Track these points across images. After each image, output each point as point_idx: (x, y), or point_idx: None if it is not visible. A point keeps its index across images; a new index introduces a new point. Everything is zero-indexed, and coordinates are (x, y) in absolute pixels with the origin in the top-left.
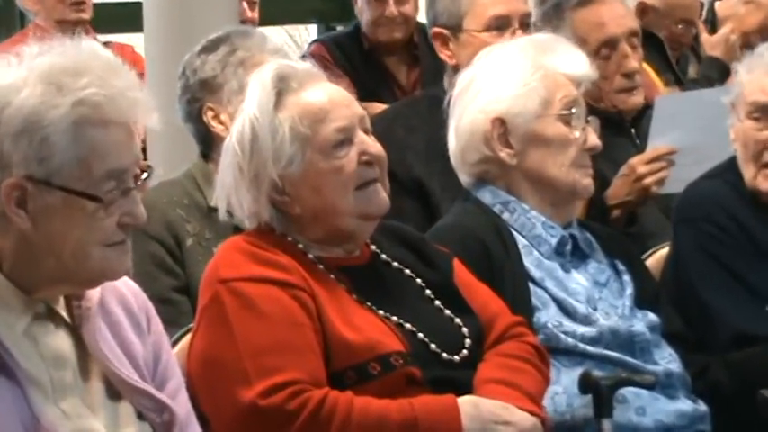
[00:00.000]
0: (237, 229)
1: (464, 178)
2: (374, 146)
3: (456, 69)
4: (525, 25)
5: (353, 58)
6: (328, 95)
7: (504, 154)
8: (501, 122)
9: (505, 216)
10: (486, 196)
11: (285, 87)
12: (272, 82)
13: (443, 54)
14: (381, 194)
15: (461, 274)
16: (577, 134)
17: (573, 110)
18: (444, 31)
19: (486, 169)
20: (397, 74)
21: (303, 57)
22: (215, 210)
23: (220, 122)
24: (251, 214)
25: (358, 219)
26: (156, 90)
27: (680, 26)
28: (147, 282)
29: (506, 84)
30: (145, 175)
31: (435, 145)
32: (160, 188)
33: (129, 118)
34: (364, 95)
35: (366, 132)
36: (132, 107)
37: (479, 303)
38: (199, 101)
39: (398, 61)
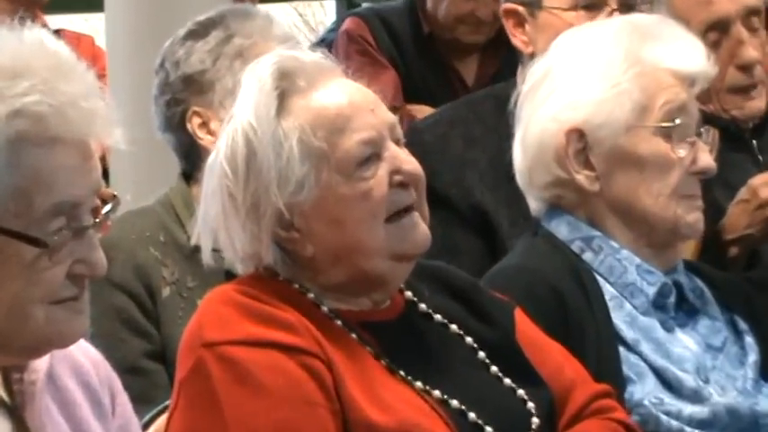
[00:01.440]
0: (230, 275)
1: (533, 204)
2: (409, 161)
3: (534, 60)
4: (627, 6)
5: (404, 44)
6: (348, 97)
7: (581, 177)
8: (579, 135)
9: (587, 256)
10: (561, 229)
11: (290, 87)
12: (272, 79)
13: (517, 39)
14: (420, 226)
15: (526, 329)
16: (682, 153)
17: (678, 120)
18: (519, 8)
19: (560, 194)
20: (462, 69)
21: (320, 44)
22: (199, 250)
23: (209, 132)
24: (247, 256)
25: (390, 260)
26: (122, 91)
27: None
28: (112, 346)
29: (588, 82)
30: (107, 207)
31: (503, 162)
32: (127, 220)
33: (85, 134)
34: (413, 94)
35: (398, 144)
36: (88, 120)
37: (551, 368)
38: (182, 103)
39: (466, 52)
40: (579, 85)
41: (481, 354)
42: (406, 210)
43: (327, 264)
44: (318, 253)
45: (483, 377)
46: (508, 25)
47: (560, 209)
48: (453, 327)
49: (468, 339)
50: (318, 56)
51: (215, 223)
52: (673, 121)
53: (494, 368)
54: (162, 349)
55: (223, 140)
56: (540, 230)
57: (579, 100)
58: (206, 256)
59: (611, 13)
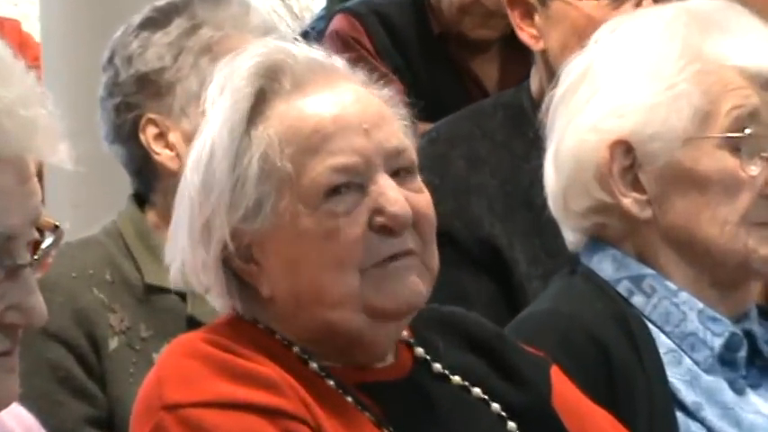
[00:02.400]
0: (193, 322)
1: (570, 236)
2: (398, 202)
3: (545, 57)
4: None
5: (409, 46)
6: (338, 109)
7: (629, 201)
8: (626, 149)
9: (637, 300)
10: (605, 266)
11: (272, 87)
12: (250, 75)
13: (524, 33)
14: (409, 279)
15: (565, 391)
16: (754, 170)
17: (748, 130)
18: None
19: (603, 222)
20: (483, 74)
21: (306, 35)
22: (157, 289)
23: (167, 145)
24: (206, 289)
25: (365, 315)
26: (60, 91)
27: None
28: (46, 411)
29: (637, 83)
30: (48, 241)
31: (519, 185)
32: (65, 254)
33: (23, 149)
34: (424, 109)
35: (404, 172)
36: (28, 132)
37: None
38: (135, 108)
39: (488, 57)
40: (625, 88)
41: (511, 425)
42: (397, 257)
43: (288, 311)
44: (276, 296)
45: None
46: (514, 17)
47: (604, 241)
48: (476, 390)
49: (495, 406)
50: (316, 53)
51: (182, 247)
52: (742, 130)
53: None
54: (108, 414)
55: (194, 148)
56: (578, 268)
57: (625, 105)
58: (174, 281)
59: (638, 3)
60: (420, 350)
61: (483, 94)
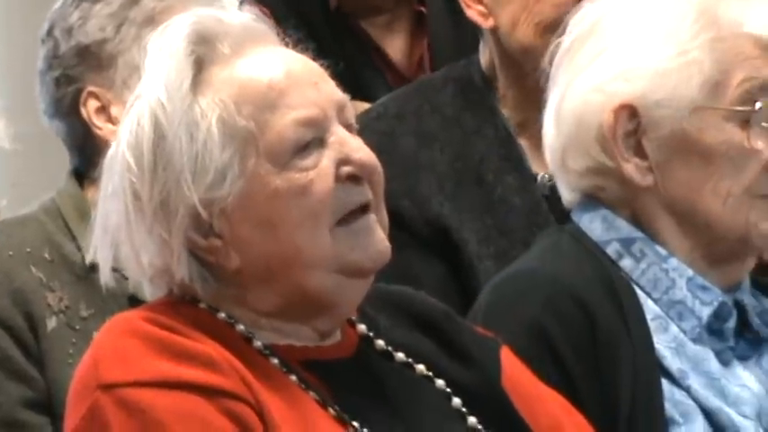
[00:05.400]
0: (135, 302)
1: (565, 193)
2: (360, 148)
3: (496, 35)
4: None
5: (315, 25)
6: (284, 66)
7: (630, 166)
8: (631, 113)
9: (626, 263)
10: (595, 226)
11: (209, 53)
12: (186, 44)
13: (472, 10)
14: (377, 232)
15: (516, 373)
16: (761, 144)
17: (758, 104)
18: None
19: (601, 184)
20: (389, 48)
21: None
22: (97, 269)
23: (109, 119)
24: (156, 272)
25: (338, 274)
26: None
27: None
28: None
29: (648, 46)
30: None
31: (470, 162)
32: (2, 233)
33: None
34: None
35: (349, 129)
36: None
37: (545, 423)
38: (75, 81)
39: (388, 26)
40: (635, 49)
41: (456, 401)
42: (361, 210)
43: (257, 279)
44: (246, 265)
45: (457, 430)
46: None
47: (598, 201)
48: (420, 367)
49: (439, 382)
50: (248, 17)
51: (116, 232)
52: (752, 103)
53: (471, 419)
54: (46, 397)
55: (126, 125)
56: (567, 225)
57: (634, 68)
58: (105, 276)
59: None
60: (363, 327)
61: (388, 67)
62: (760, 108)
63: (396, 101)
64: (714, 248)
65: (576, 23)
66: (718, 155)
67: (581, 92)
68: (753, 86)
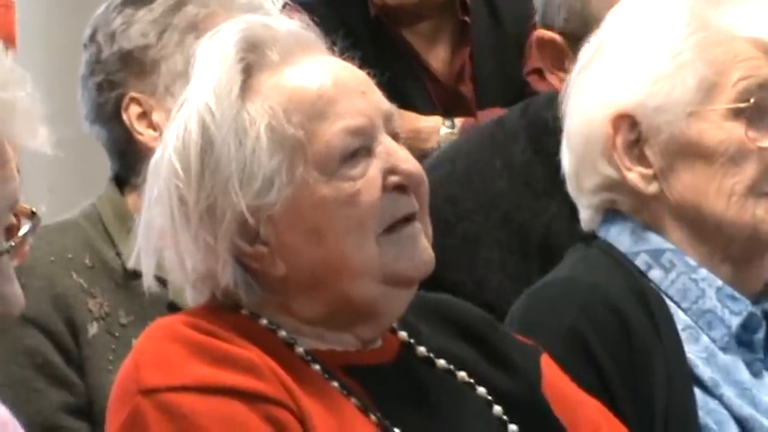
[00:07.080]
0: (174, 309)
1: (583, 214)
2: (407, 159)
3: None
4: None
5: (355, 32)
6: (333, 74)
7: (635, 176)
8: (630, 123)
9: (655, 274)
10: (623, 239)
11: (258, 60)
12: (235, 51)
13: (554, 77)
14: (422, 242)
15: (556, 380)
16: (764, 143)
17: (753, 99)
18: (557, 38)
19: (613, 198)
20: (430, 57)
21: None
22: (138, 275)
23: (151, 125)
24: (200, 278)
25: (383, 284)
26: (37, 68)
27: None
28: (23, 399)
29: (642, 55)
30: (26, 227)
31: (536, 230)
32: (43, 239)
33: (1, 133)
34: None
35: (396, 139)
36: (6, 115)
37: (585, 425)
38: (117, 87)
39: (431, 35)
40: (631, 60)
41: (497, 408)
42: (407, 220)
43: (302, 287)
44: (291, 273)
45: None
46: (544, 62)
47: (620, 214)
48: (461, 374)
49: (481, 390)
50: (296, 24)
51: (161, 237)
52: (748, 100)
53: (512, 427)
54: (87, 403)
55: (173, 130)
56: (593, 241)
57: (630, 78)
58: (148, 281)
59: None
60: (403, 334)
61: (429, 75)
62: (756, 104)
63: (463, 146)
64: (730, 251)
65: (583, 53)
66: (720, 154)
67: (585, 109)
68: (750, 84)
